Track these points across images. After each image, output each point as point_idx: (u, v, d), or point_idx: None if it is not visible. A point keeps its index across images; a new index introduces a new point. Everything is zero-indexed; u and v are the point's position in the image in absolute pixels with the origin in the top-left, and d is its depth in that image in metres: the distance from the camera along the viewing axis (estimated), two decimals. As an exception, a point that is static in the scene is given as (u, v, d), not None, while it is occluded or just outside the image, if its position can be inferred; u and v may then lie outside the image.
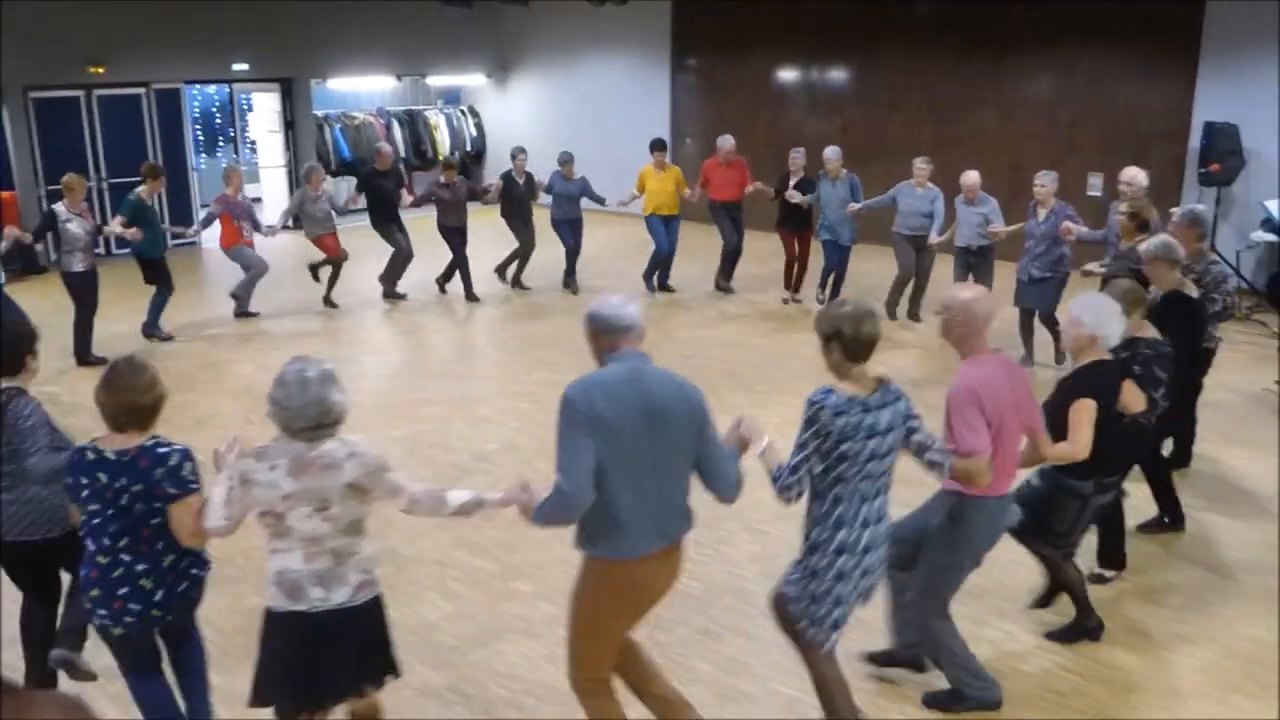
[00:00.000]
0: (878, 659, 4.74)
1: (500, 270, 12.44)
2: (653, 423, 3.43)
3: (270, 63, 15.69)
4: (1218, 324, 6.52)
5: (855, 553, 3.68)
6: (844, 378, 3.63)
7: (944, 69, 13.90)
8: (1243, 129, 11.53)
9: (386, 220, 11.66)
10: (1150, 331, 5.18)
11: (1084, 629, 4.98)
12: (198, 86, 17.10)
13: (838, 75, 15.22)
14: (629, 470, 3.42)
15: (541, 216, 12.15)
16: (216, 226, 10.97)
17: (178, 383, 7.65)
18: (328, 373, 3.39)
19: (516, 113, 18.47)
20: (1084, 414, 4.44)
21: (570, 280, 12.18)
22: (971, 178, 9.62)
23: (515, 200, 11.97)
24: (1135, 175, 8.13)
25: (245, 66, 15.39)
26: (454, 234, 11.61)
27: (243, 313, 11.11)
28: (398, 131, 17.43)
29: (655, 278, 12.07)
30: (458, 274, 11.80)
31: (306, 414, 3.31)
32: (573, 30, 17.33)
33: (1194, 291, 6.06)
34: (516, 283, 12.34)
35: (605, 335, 3.55)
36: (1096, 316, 4.58)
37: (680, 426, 3.49)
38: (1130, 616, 5.27)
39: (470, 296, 11.78)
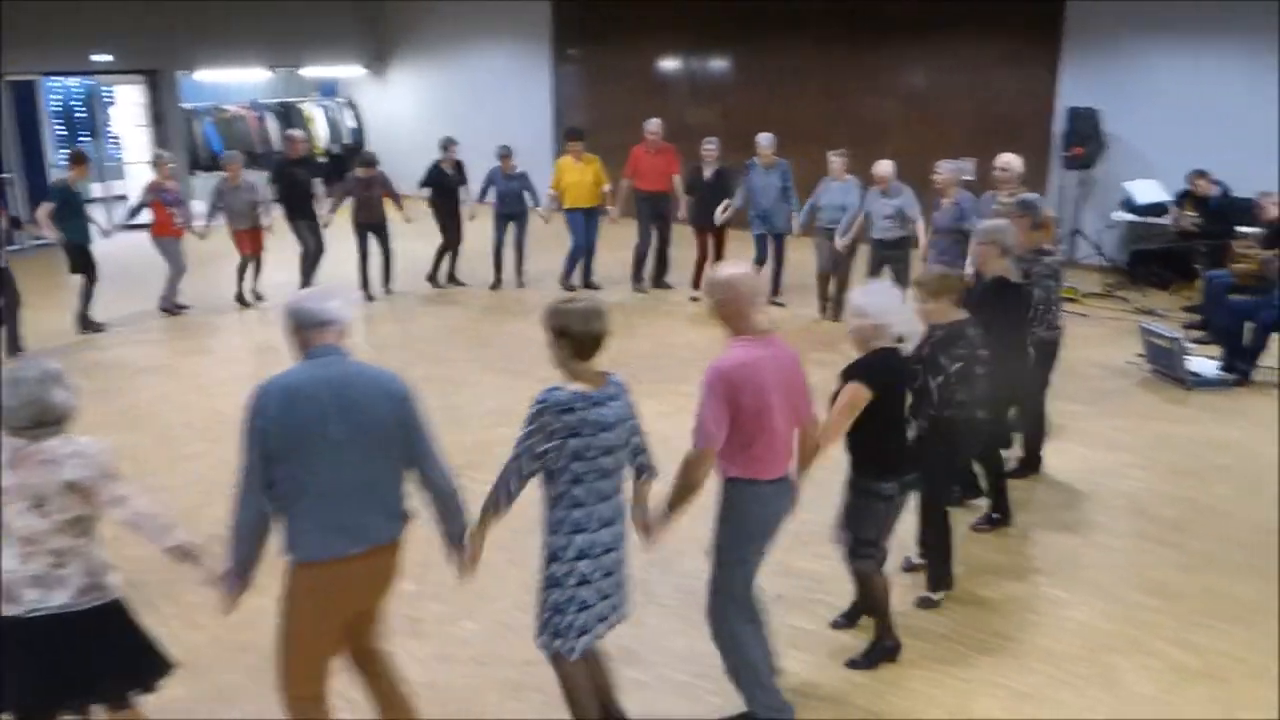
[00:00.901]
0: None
1: (432, 277, 11.97)
2: (347, 421, 3.36)
3: (134, 54, 15.05)
4: (1056, 314, 6.40)
5: (595, 555, 3.63)
6: (571, 375, 3.58)
7: (823, 56, 14.15)
8: (1103, 114, 12.03)
9: (300, 215, 11.10)
10: (951, 316, 5.02)
11: (883, 649, 4.76)
12: (56, 79, 16.33)
13: (719, 62, 15.36)
14: (316, 471, 3.35)
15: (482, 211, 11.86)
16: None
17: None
18: (50, 373, 3.37)
19: (397, 105, 18.14)
20: (847, 396, 4.34)
21: (519, 275, 11.88)
22: (884, 167, 9.42)
23: (445, 193, 11.61)
24: (1010, 161, 8.09)
25: (108, 58, 14.74)
26: (374, 230, 11.29)
27: (169, 309, 10.87)
28: (272, 125, 16.93)
29: (577, 275, 11.58)
30: (377, 268, 11.46)
31: (21, 414, 3.30)
32: (453, 20, 17.11)
33: (1016, 278, 5.85)
34: (451, 278, 11.94)
35: (304, 331, 3.46)
36: (878, 305, 4.45)
37: (380, 423, 3.42)
38: (1001, 581, 5.46)
39: (385, 287, 11.54)
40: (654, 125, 11.20)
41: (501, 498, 3.59)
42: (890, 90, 13.85)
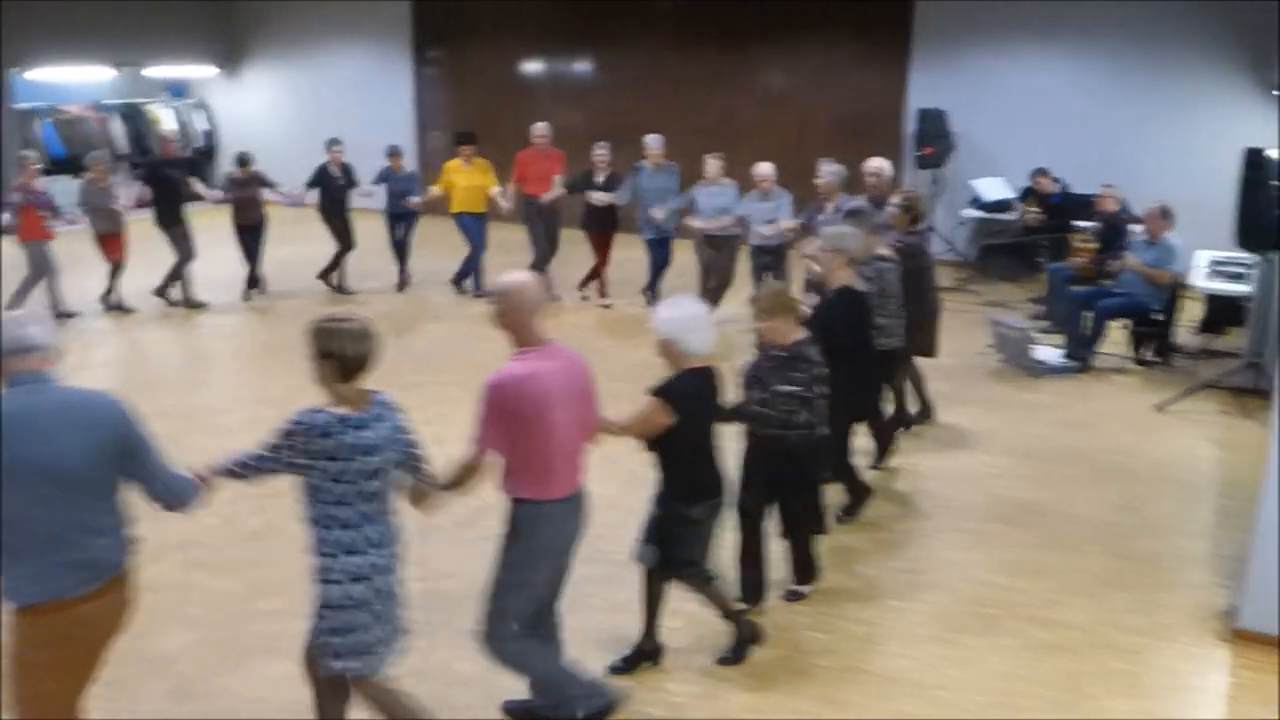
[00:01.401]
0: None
1: (325, 275, 11.62)
2: (54, 451, 3.16)
3: (-41, 52, 14.17)
4: (899, 322, 6.35)
5: (367, 577, 3.53)
6: (335, 396, 3.48)
7: (686, 58, 14.30)
8: (951, 114, 12.50)
9: (172, 218, 10.64)
10: (789, 335, 4.81)
11: (740, 645, 4.75)
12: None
13: (583, 64, 15.37)
14: (30, 506, 3.16)
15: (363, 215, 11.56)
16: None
17: None
18: None
19: (252, 106, 17.53)
20: (648, 407, 4.19)
21: (404, 276, 11.70)
22: (763, 169, 9.25)
23: (333, 196, 11.26)
24: (881, 166, 8.02)
25: (-70, 56, 13.85)
26: (252, 233, 10.96)
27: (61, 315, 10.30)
28: (118, 126, 16.17)
29: (472, 280, 11.35)
30: (250, 268, 11.19)
31: None
32: (309, 19, 16.64)
33: (862, 285, 5.83)
34: (341, 288, 11.58)
35: (5, 358, 3.23)
36: (674, 324, 4.26)
37: (91, 449, 3.23)
38: (864, 569, 5.61)
39: (251, 289, 11.32)
40: (541, 128, 10.98)
41: (250, 470, 3.54)
42: (749, 92, 14.11)
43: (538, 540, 3.91)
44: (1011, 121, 12.41)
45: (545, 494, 3.86)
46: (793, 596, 5.27)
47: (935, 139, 12.31)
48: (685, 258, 10.46)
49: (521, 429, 3.73)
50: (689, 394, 4.24)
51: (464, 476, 3.84)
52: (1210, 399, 8.13)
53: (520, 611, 3.99)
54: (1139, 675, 4.71)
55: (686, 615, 4.96)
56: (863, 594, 5.39)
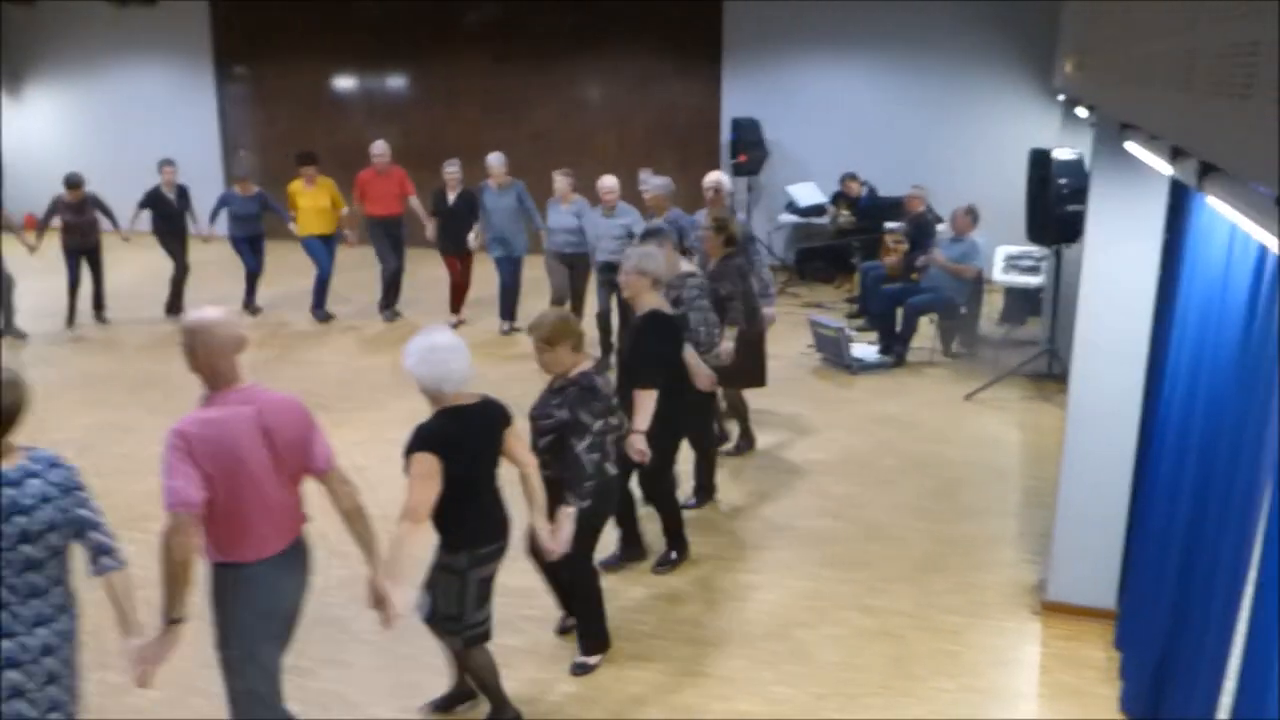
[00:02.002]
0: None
1: (173, 307, 11.00)
2: None
3: None
4: (717, 337, 6.13)
5: (27, 663, 3.10)
6: None
7: (500, 71, 14.23)
8: (764, 123, 12.87)
9: None
10: (572, 364, 4.45)
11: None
12: None
13: (396, 80, 15.09)
14: None
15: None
16: None
17: None
18: None
19: (36, 128, 16.44)
20: (416, 468, 3.81)
21: (251, 302, 11.13)
22: (607, 183, 8.91)
23: (166, 218, 10.70)
24: (720, 180, 7.78)
25: None
26: (87, 256, 10.52)
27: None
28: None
29: (313, 302, 10.96)
30: (95, 293, 10.74)
31: None
32: (98, 35, 15.74)
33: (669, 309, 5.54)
34: (176, 309, 10.91)
35: None
36: (421, 359, 3.89)
37: None
38: (698, 573, 5.68)
39: (98, 315, 10.89)
40: (379, 147, 10.65)
41: None
42: (566, 105, 14.16)
43: (246, 607, 3.54)
44: (820, 128, 12.88)
45: (245, 555, 3.49)
46: (579, 669, 4.78)
47: (749, 147, 12.64)
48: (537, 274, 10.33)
49: (210, 483, 3.35)
50: (446, 435, 3.87)
51: (173, 541, 3.31)
52: (1013, 386, 8.61)
53: (260, 687, 3.63)
54: (960, 654, 4.92)
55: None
56: (698, 597, 5.45)
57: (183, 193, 10.90)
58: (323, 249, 10.78)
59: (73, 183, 10.40)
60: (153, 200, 10.76)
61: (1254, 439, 3.01)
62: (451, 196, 10.28)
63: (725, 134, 13.17)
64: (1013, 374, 8.67)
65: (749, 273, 6.86)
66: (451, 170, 10.27)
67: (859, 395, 8.66)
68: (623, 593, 5.43)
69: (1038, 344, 9.12)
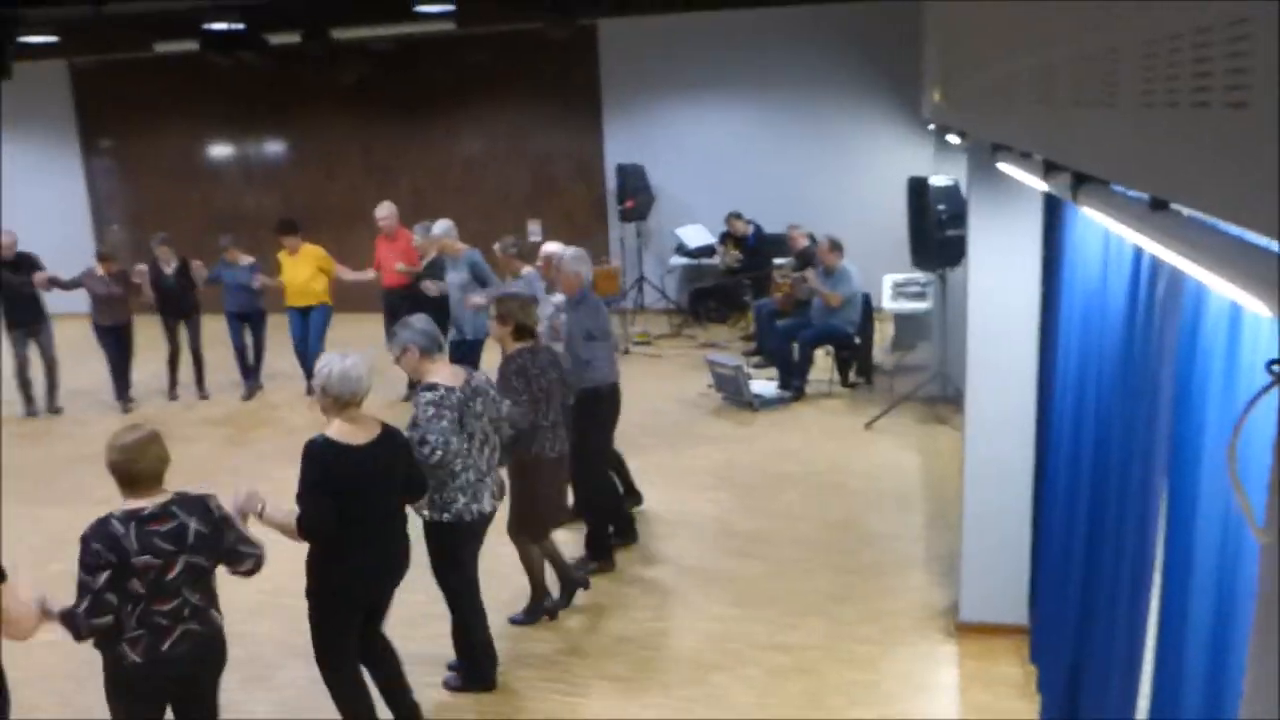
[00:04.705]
0: None
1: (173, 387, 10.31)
2: None
3: None
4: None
5: None
6: None
7: (375, 131, 14.06)
8: (648, 168, 12.94)
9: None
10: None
11: None
12: None
13: (273, 145, 14.78)
14: None
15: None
16: None
17: None
18: None
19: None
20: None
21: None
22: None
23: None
24: (551, 252, 6.79)
25: None
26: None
27: None
28: None
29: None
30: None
31: None
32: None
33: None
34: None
35: None
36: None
37: None
38: (609, 625, 5.53)
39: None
40: (384, 211, 9.73)
41: None
42: (449, 160, 14.03)
43: None
44: (704, 170, 13.00)
45: None
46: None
47: (635, 193, 12.68)
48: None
49: None
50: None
51: None
52: (910, 412, 8.71)
53: None
54: (878, 683, 4.86)
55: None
56: (612, 649, 5.30)
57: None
58: (299, 321, 9.96)
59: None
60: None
61: (1144, 442, 3.03)
62: (423, 263, 9.23)
63: (610, 181, 13.20)
64: (908, 399, 8.78)
65: (540, 375, 5.37)
66: (429, 234, 9.02)
67: (760, 431, 8.66)
68: (532, 645, 5.25)
69: (930, 368, 9.27)
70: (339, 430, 4.07)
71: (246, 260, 10.01)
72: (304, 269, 9.94)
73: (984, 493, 5.08)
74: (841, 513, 6.87)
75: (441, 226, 8.44)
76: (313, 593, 4.15)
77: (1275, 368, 1.01)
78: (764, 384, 9.50)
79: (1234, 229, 1.49)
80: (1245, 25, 1.27)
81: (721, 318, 12.49)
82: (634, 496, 6.91)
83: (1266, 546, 1.14)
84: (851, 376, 9.81)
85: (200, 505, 3.54)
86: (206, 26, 10.86)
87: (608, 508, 6.34)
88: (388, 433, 4.19)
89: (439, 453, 4.41)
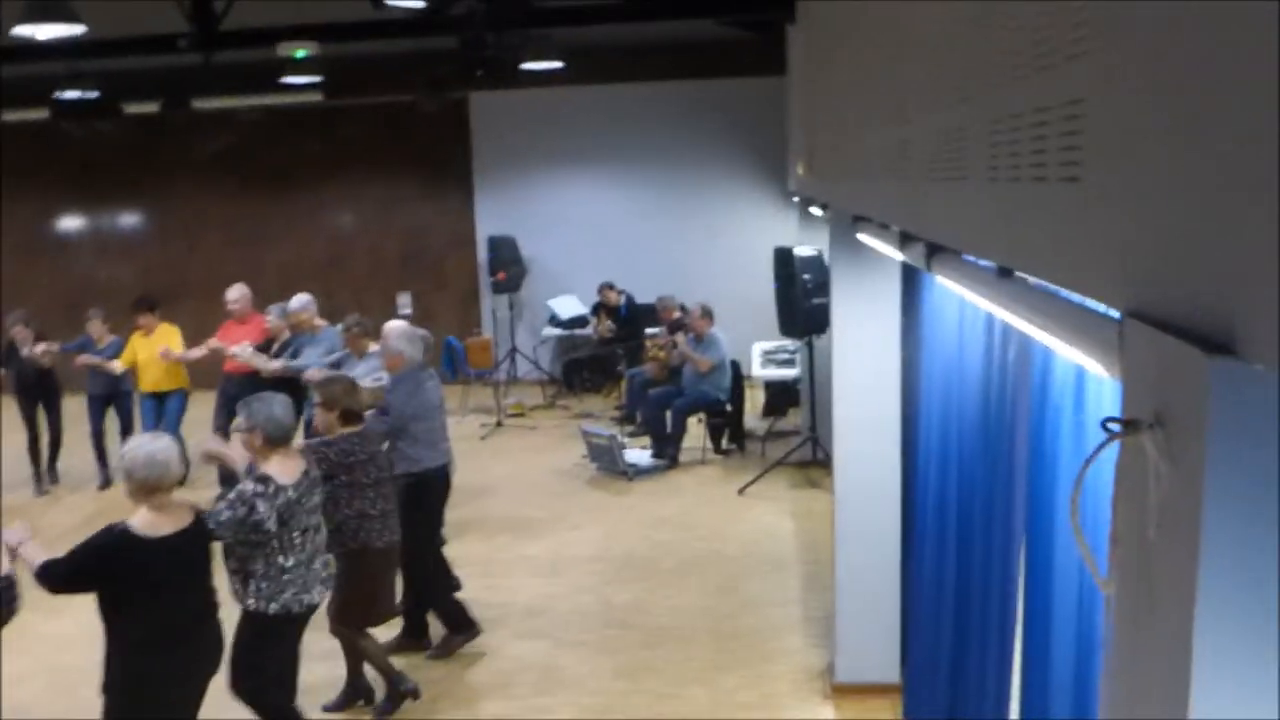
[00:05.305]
0: None
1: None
2: None
3: None
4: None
5: None
6: None
7: (239, 203, 13.75)
8: (520, 240, 12.99)
9: None
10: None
11: None
12: None
13: (130, 217, 14.30)
14: None
15: None
16: None
17: None
18: None
19: None
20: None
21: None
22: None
23: None
24: (387, 332, 6.02)
25: None
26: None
27: None
28: None
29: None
30: None
31: None
32: None
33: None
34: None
35: None
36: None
37: None
38: (487, 704, 5.40)
39: None
40: (233, 293, 8.94)
41: None
42: (316, 231, 13.81)
43: None
44: (576, 242, 13.12)
45: None
46: None
47: (507, 264, 12.69)
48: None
49: None
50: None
51: None
52: (782, 476, 8.86)
53: None
54: (759, 750, 4.87)
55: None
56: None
57: None
58: (154, 409, 9.13)
59: None
60: None
61: (1003, 500, 3.16)
62: (277, 344, 8.42)
63: (482, 253, 13.19)
64: (780, 464, 8.93)
65: (368, 461, 5.16)
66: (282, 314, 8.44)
67: (636, 500, 8.67)
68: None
69: (800, 433, 9.47)
70: (144, 520, 3.76)
71: (110, 339, 9.33)
72: (155, 351, 9.11)
73: (854, 553, 5.18)
74: (718, 578, 6.91)
75: (299, 301, 8.11)
76: (109, 689, 3.80)
77: (1110, 425, 1.08)
78: (638, 453, 9.54)
79: (1074, 297, 1.59)
80: (1079, 105, 1.38)
81: (595, 388, 12.52)
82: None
83: (1109, 596, 1.20)
84: (724, 444, 9.94)
85: None
86: (62, 95, 10.53)
87: (441, 597, 5.97)
88: (200, 520, 3.96)
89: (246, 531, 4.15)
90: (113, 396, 9.39)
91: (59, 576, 3.73)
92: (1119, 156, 1.23)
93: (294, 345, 8.20)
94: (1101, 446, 1.10)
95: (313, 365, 7.54)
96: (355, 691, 5.34)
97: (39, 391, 9.46)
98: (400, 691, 5.21)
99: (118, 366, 9.15)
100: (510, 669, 5.80)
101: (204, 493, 6.56)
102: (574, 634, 6.20)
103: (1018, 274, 2.00)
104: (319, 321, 8.29)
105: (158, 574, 3.76)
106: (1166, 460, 0.98)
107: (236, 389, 7.90)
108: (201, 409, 9.10)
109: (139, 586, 3.73)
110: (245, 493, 4.17)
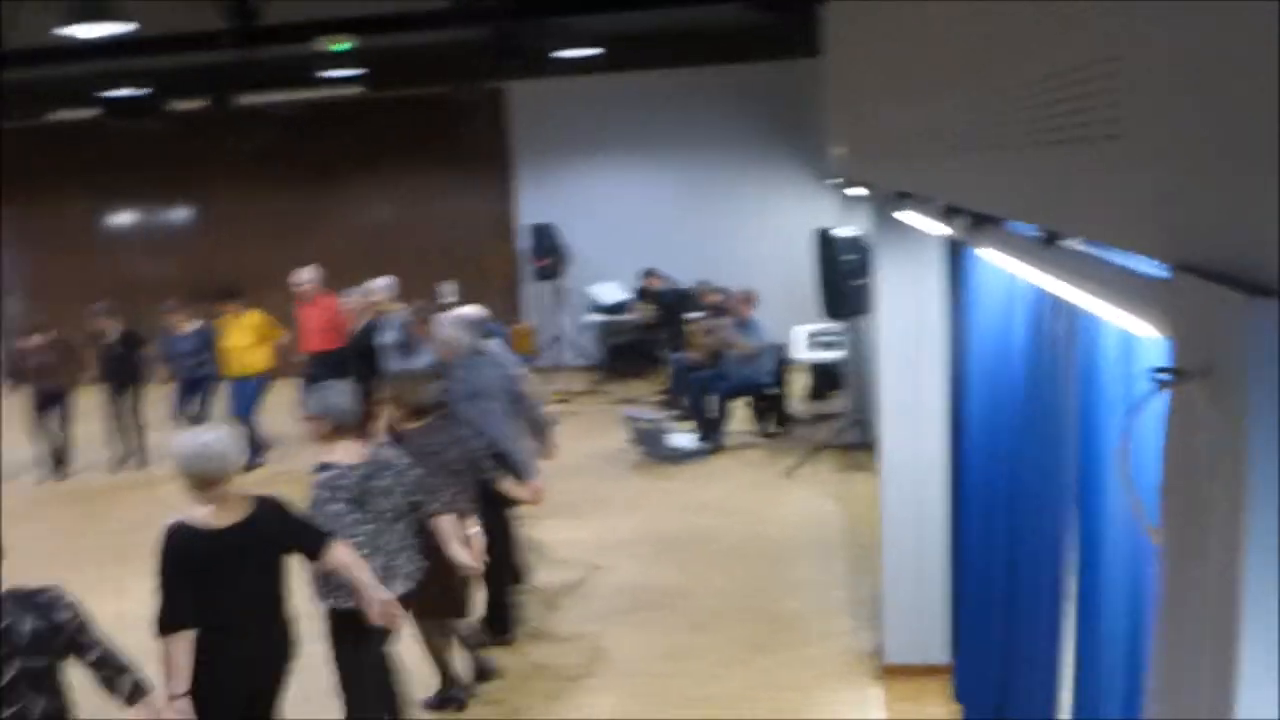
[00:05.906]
0: None
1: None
2: None
3: None
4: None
5: None
6: None
7: (283, 197, 13.93)
8: (562, 227, 13.02)
9: None
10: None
11: None
12: None
13: (178, 212, 14.56)
14: None
15: None
16: None
17: None
18: None
19: None
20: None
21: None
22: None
23: None
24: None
25: None
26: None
27: None
28: None
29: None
30: None
31: None
32: None
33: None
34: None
35: None
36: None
37: None
38: (536, 683, 5.45)
39: None
40: (304, 275, 9.61)
41: None
42: (357, 223, 13.93)
43: None
44: (618, 229, 13.12)
45: None
46: None
47: (549, 252, 12.73)
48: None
49: None
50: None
51: None
52: (827, 459, 8.82)
53: None
54: (807, 730, 4.86)
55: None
56: (540, 710, 5.20)
57: None
58: (237, 390, 9.57)
59: None
60: None
61: (1054, 472, 3.12)
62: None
63: (523, 241, 13.24)
64: (826, 447, 8.89)
65: (441, 451, 5.09)
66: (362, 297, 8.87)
67: (680, 484, 8.67)
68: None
69: (846, 415, 9.41)
70: (200, 513, 3.70)
71: (192, 326, 9.74)
72: (243, 336, 9.56)
73: (902, 535, 5.14)
74: (761, 562, 6.89)
75: (382, 283, 8.22)
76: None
77: (1160, 376, 1.06)
78: (683, 437, 9.53)
79: (1119, 258, 1.56)
80: (1115, 63, 1.35)
81: (638, 373, 12.53)
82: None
83: (1160, 547, 1.18)
84: (770, 427, 9.90)
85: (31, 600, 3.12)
86: (109, 94, 10.70)
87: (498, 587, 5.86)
88: (263, 509, 3.82)
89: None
90: (196, 382, 9.76)
91: (165, 611, 3.60)
92: (1158, 111, 1.21)
93: (374, 327, 8.35)
94: (1149, 396, 1.08)
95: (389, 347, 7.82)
96: (449, 683, 5.25)
97: (127, 376, 9.91)
98: (450, 696, 5.18)
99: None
100: (555, 651, 5.83)
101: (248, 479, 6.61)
102: (619, 616, 6.22)
103: (1062, 241, 1.98)
104: (397, 305, 8.49)
105: (215, 565, 3.68)
106: (1214, 407, 0.97)
107: (321, 367, 8.53)
108: (281, 394, 9.73)
109: (199, 578, 3.65)
110: (318, 484, 4.18)
